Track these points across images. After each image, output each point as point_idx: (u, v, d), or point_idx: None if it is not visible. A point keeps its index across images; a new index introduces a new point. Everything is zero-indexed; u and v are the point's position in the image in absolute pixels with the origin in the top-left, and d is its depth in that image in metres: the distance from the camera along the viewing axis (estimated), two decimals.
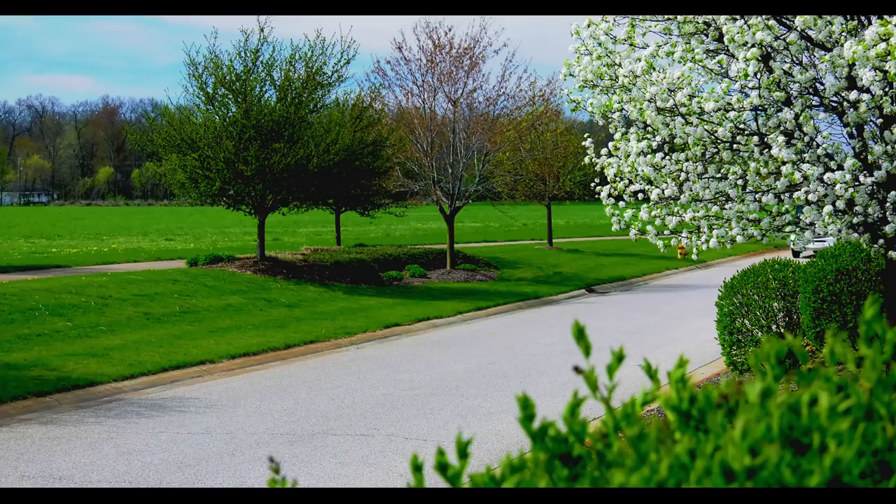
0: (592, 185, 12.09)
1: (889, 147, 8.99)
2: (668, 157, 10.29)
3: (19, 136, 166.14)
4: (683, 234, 10.68)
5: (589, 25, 9.87)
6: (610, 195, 11.27)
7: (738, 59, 8.84)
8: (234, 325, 19.45)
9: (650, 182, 10.56)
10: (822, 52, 9.26)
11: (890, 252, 9.55)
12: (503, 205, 38.59)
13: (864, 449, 1.46)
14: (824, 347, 1.60)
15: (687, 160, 10.06)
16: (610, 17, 9.81)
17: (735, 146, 9.55)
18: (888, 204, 9.15)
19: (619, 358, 1.64)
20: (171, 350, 16.46)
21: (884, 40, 8.02)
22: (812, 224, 9.45)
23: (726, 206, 10.02)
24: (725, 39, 8.92)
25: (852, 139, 9.51)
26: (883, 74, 8.32)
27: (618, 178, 10.99)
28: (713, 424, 1.53)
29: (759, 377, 1.56)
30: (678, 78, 9.39)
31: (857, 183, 9.01)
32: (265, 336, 18.32)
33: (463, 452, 1.62)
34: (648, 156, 10.33)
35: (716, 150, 9.74)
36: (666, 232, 11.03)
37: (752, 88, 9.01)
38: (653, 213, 10.66)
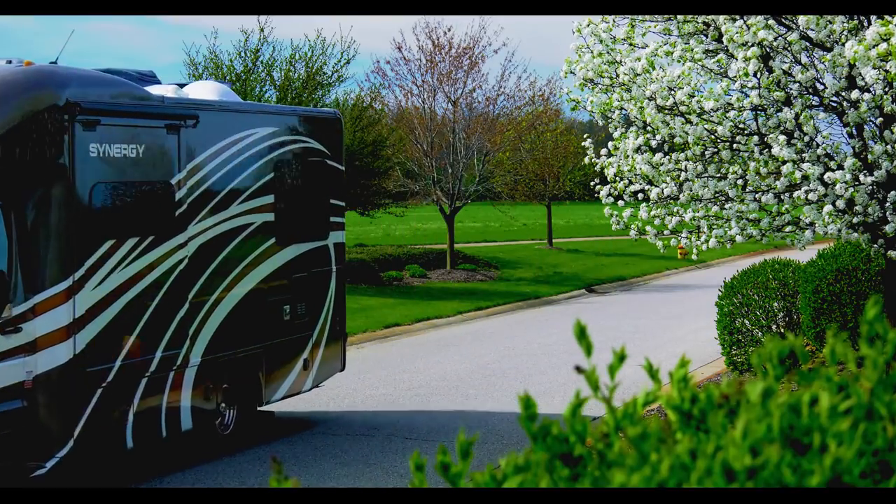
0: (592, 184, 12.08)
1: (889, 147, 8.99)
2: (667, 157, 10.29)
3: None
4: (683, 234, 10.68)
5: (588, 25, 9.87)
6: (610, 195, 11.27)
7: (737, 59, 8.84)
8: None
9: (650, 181, 10.56)
10: (823, 52, 9.25)
11: (890, 252, 9.55)
12: (503, 205, 38.53)
13: (865, 449, 1.46)
14: (825, 347, 1.60)
15: (686, 160, 10.05)
16: (610, 18, 9.80)
17: (735, 146, 9.55)
18: (888, 204, 9.15)
19: (621, 358, 1.64)
20: None
21: (885, 40, 8.02)
22: (812, 224, 9.45)
23: (726, 206, 10.01)
24: (724, 39, 8.92)
25: (852, 139, 9.51)
26: (884, 74, 8.33)
27: (617, 178, 10.98)
28: (714, 424, 1.54)
29: (760, 377, 1.56)
30: (678, 77, 9.39)
31: (856, 183, 9.01)
32: None
33: (465, 452, 1.62)
34: (646, 154, 10.32)
35: (715, 150, 9.74)
36: (666, 232, 11.03)
37: (751, 88, 9.01)
38: (652, 213, 10.65)
